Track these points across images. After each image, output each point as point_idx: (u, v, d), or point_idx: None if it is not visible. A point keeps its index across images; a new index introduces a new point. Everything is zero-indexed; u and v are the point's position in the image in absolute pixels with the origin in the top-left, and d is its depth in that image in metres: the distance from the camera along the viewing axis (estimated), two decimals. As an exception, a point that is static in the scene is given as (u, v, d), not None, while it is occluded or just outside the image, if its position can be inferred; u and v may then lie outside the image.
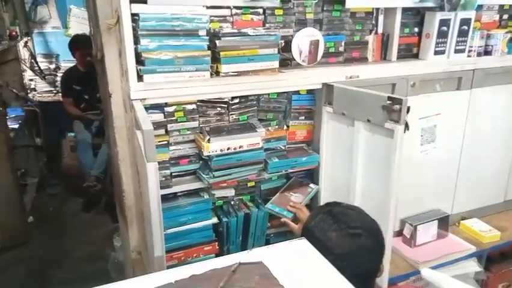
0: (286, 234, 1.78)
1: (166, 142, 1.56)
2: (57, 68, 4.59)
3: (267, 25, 1.57)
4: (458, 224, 2.09)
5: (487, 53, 1.93)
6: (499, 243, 1.97)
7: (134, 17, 1.32)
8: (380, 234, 1.13)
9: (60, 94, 4.14)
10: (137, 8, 1.29)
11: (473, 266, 1.88)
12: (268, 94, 1.67)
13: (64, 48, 4.11)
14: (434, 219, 1.93)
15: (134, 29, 1.33)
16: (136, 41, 1.34)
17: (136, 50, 1.34)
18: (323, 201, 1.77)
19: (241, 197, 1.79)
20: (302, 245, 0.88)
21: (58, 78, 4.41)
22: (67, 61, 4.36)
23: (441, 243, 1.92)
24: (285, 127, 1.76)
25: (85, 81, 3.66)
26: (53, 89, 4.52)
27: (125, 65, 1.36)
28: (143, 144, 1.08)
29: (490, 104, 1.98)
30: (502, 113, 2.04)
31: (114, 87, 1.68)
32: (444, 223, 1.97)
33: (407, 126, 1.35)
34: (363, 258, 1.06)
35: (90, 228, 3.44)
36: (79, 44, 3.72)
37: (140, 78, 1.36)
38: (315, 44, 1.58)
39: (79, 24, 4.47)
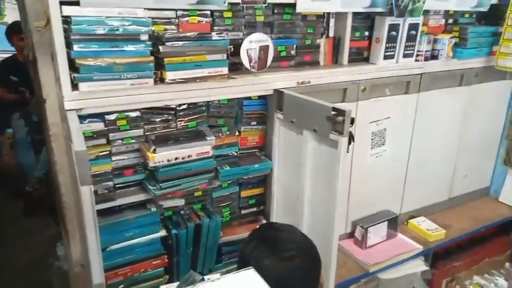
0: (239, 243, 1.73)
1: (107, 152, 1.45)
2: (-10, 59, 4.20)
3: (216, 28, 1.49)
4: (406, 222, 2.15)
5: (434, 57, 1.97)
6: (444, 241, 2.06)
7: (67, 19, 1.19)
8: (314, 249, 1.13)
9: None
10: (68, 10, 1.16)
11: (421, 265, 1.94)
12: (218, 100, 1.60)
13: (-1, 37, 3.76)
14: (384, 221, 1.97)
15: (67, 32, 1.20)
16: (69, 46, 1.21)
17: (69, 55, 1.21)
18: (275, 207, 1.75)
19: (191, 206, 1.72)
20: (249, 276, 0.83)
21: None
22: (2, 51, 3.99)
23: (391, 244, 1.97)
24: (237, 133, 1.70)
25: (23, 72, 3.36)
26: (-13, 81, 4.14)
27: (58, 72, 1.23)
28: (76, 166, 0.97)
29: (436, 107, 2.03)
30: (447, 115, 2.11)
31: (49, 91, 1.53)
32: (394, 223, 2.01)
33: (352, 138, 1.32)
34: (301, 279, 1.04)
35: (32, 234, 3.21)
36: (16, 28, 3.40)
37: (75, 86, 1.24)
38: (264, 50, 1.52)
39: (16, 12, 4.09)
